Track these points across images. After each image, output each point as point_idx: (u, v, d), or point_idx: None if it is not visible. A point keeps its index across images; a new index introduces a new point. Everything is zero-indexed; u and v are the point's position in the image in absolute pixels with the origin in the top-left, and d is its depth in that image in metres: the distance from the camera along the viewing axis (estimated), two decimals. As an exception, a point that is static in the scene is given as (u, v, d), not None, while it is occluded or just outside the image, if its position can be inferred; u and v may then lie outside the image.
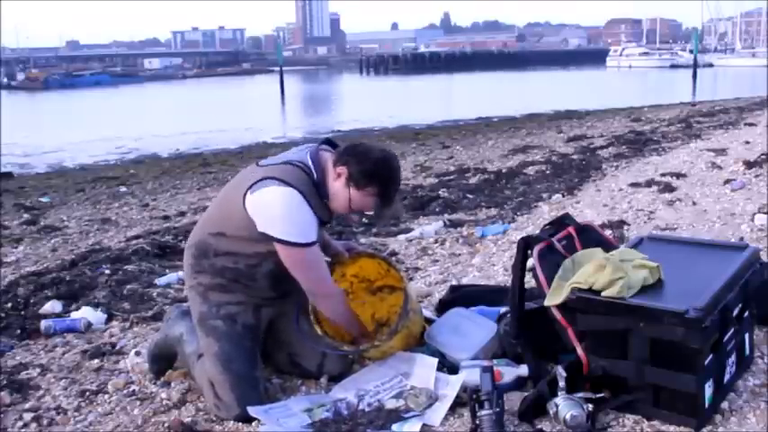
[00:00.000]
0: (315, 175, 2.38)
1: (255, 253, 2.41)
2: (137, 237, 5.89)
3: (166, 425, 2.38)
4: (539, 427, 2.20)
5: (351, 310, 2.61)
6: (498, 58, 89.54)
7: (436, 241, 4.80)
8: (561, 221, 2.70)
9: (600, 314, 2.22)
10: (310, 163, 2.39)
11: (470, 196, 6.63)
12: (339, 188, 2.37)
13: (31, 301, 3.99)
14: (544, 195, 6.35)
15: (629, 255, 2.41)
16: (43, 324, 3.46)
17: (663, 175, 6.56)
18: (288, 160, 2.41)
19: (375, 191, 2.36)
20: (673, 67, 61.57)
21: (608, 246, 2.61)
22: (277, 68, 45.97)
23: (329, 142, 2.54)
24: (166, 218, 7.04)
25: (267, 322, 2.60)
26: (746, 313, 2.42)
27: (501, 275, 3.82)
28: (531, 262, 2.45)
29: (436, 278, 3.90)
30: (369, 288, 2.85)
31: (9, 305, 3.92)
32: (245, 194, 2.33)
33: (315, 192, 2.37)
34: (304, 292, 2.70)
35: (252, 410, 2.33)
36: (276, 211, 2.31)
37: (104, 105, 35.63)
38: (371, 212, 2.48)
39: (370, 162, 2.35)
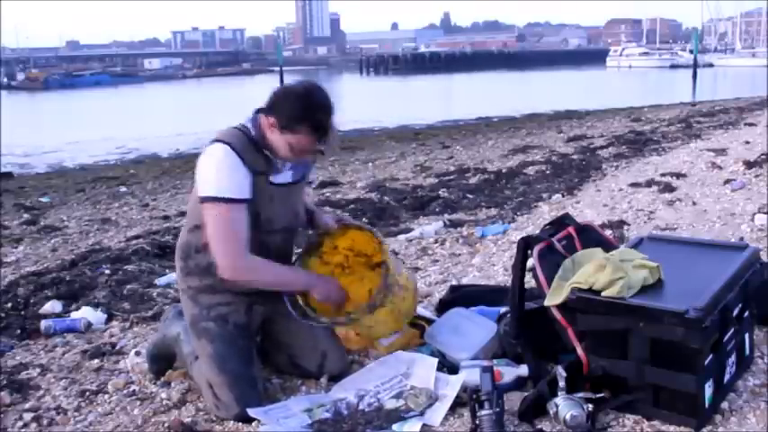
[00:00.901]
0: (252, 132, 2.39)
1: None
2: (137, 237, 5.89)
3: (166, 425, 2.38)
4: (539, 427, 2.20)
5: (276, 274, 2.47)
6: (498, 58, 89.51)
7: (436, 241, 4.80)
8: (561, 221, 2.70)
9: (600, 314, 2.22)
10: (249, 123, 2.42)
11: (470, 196, 6.63)
12: (277, 138, 2.37)
13: (31, 301, 3.99)
14: (544, 195, 6.35)
15: (629, 255, 2.41)
16: (43, 324, 3.47)
17: (663, 175, 6.57)
18: (236, 125, 2.46)
19: (307, 128, 2.34)
20: (673, 67, 61.54)
21: (608, 246, 2.61)
22: (277, 68, 46.02)
23: None
24: (166, 218, 7.03)
25: (261, 321, 2.60)
26: (746, 313, 2.42)
27: (501, 275, 3.82)
28: (531, 262, 2.46)
29: (436, 278, 3.90)
30: (368, 263, 2.76)
31: (9, 305, 3.92)
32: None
33: (251, 146, 2.38)
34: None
35: (252, 412, 2.34)
36: (205, 169, 2.36)
37: (104, 105, 35.62)
38: (318, 150, 2.43)
39: (292, 102, 2.34)
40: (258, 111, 2.46)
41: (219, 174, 2.32)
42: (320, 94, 2.39)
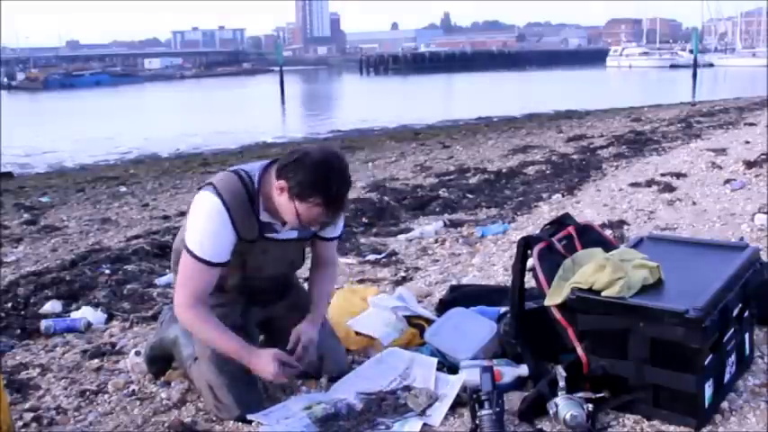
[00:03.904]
0: (255, 187, 2.28)
1: None
2: (137, 237, 5.90)
3: (166, 425, 2.38)
4: (539, 427, 2.20)
5: (211, 334, 2.34)
6: (498, 57, 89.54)
7: (436, 241, 4.80)
8: (561, 221, 2.70)
9: (600, 314, 2.22)
10: (256, 175, 2.30)
11: (470, 196, 6.64)
12: (284, 202, 2.22)
13: (31, 300, 3.99)
14: (544, 195, 6.35)
15: (629, 255, 2.41)
16: (43, 324, 3.46)
17: (663, 174, 6.57)
18: (238, 168, 2.36)
19: (319, 200, 2.17)
20: (673, 66, 61.53)
21: (608, 246, 2.61)
22: (277, 68, 45.96)
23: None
24: (166, 218, 7.04)
25: (259, 321, 2.60)
26: (746, 313, 2.42)
27: (501, 275, 3.82)
28: (531, 262, 2.45)
29: (436, 278, 3.90)
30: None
31: (9, 305, 3.92)
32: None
33: (248, 206, 2.28)
34: (301, 294, 2.71)
35: (252, 416, 2.34)
36: (194, 217, 2.30)
37: (104, 105, 35.62)
38: (326, 222, 2.31)
39: (308, 171, 2.15)
40: (271, 163, 2.33)
41: (204, 232, 2.27)
42: (338, 165, 2.21)
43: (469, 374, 2.40)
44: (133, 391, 2.68)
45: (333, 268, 2.68)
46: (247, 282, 2.44)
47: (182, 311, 2.34)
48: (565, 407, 2.14)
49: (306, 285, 2.72)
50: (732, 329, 2.29)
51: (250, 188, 2.29)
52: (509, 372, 2.44)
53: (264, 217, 2.33)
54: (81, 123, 24.97)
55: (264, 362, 2.30)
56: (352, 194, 7.18)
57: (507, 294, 2.62)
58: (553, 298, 2.32)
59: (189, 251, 2.29)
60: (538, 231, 2.79)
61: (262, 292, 2.53)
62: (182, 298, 2.33)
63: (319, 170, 2.16)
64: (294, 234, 2.42)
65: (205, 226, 2.27)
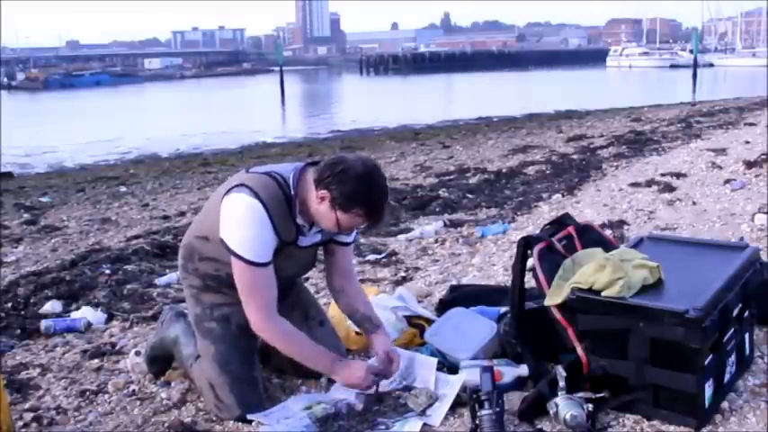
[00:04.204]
0: (291, 191, 2.29)
1: None
2: (137, 237, 5.90)
3: (166, 425, 2.38)
4: (539, 427, 2.20)
5: (298, 347, 2.37)
6: (498, 57, 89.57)
7: (436, 241, 4.80)
8: (561, 221, 2.70)
9: (600, 314, 2.22)
10: (291, 178, 2.30)
11: (470, 196, 6.64)
12: (325, 211, 2.25)
13: (31, 300, 3.99)
14: (544, 195, 6.35)
15: (629, 255, 2.41)
16: (43, 324, 3.46)
17: (663, 174, 6.57)
18: (270, 171, 2.34)
19: (362, 211, 2.22)
20: (673, 66, 61.52)
21: (608, 246, 2.61)
22: (277, 68, 45.98)
23: (315, 163, 2.37)
24: (166, 218, 7.04)
25: None
26: (746, 313, 2.42)
27: (501, 275, 3.82)
28: (531, 262, 2.46)
29: (436, 278, 3.90)
30: None
31: (9, 305, 3.92)
32: (222, 198, 2.32)
33: (286, 209, 2.28)
34: (302, 295, 2.71)
35: (252, 416, 2.35)
36: (235, 220, 2.26)
37: (104, 105, 35.63)
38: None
39: (352, 183, 2.19)
40: (307, 165, 2.33)
41: (249, 235, 2.24)
42: (380, 177, 2.26)
43: (469, 374, 2.40)
44: (133, 391, 2.68)
45: (356, 280, 2.66)
46: None
47: (262, 329, 2.32)
48: (565, 407, 2.14)
49: (307, 286, 2.72)
50: (732, 329, 2.29)
51: (287, 191, 2.29)
52: (509, 372, 2.44)
53: (299, 220, 2.34)
54: (81, 123, 24.97)
55: (357, 371, 2.35)
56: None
57: (507, 294, 2.62)
58: (553, 298, 2.32)
59: (241, 258, 2.25)
60: (538, 231, 2.79)
61: None
62: (256, 315, 2.31)
63: (363, 182, 2.21)
64: (318, 238, 2.43)
65: (249, 228, 2.25)
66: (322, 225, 2.32)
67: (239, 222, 2.26)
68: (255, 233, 2.25)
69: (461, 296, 3.24)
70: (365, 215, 2.23)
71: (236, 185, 2.29)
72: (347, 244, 2.56)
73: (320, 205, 2.25)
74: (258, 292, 2.29)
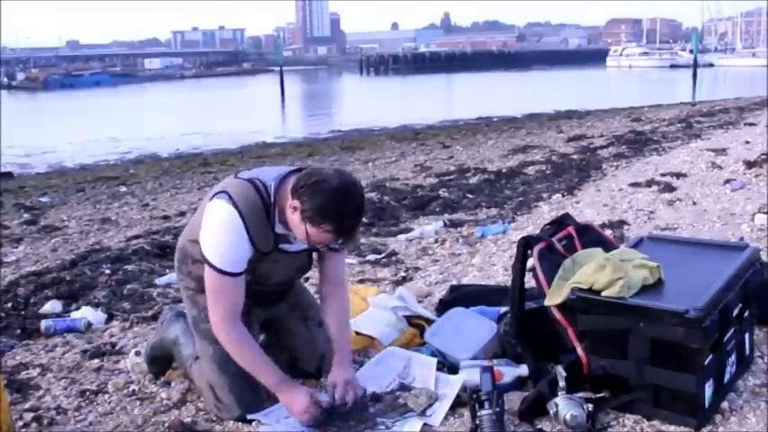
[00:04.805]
0: (270, 200, 2.25)
1: None
2: (137, 237, 5.89)
3: (166, 425, 2.38)
4: (539, 427, 2.20)
5: (249, 358, 2.34)
6: (498, 57, 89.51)
7: (436, 241, 4.80)
8: (561, 221, 2.70)
9: (600, 314, 2.22)
10: (272, 186, 2.26)
11: (470, 196, 6.64)
12: (296, 222, 2.20)
13: (31, 300, 3.99)
14: (544, 195, 6.36)
15: (629, 255, 2.41)
16: (43, 324, 3.46)
17: (663, 174, 6.57)
18: (253, 177, 2.31)
19: (331, 227, 2.15)
20: (673, 66, 61.51)
21: (608, 246, 2.61)
22: (277, 68, 45.99)
23: (299, 170, 2.32)
24: (166, 218, 7.04)
25: (261, 322, 2.60)
26: (746, 313, 2.42)
27: (501, 275, 3.82)
28: (531, 262, 2.45)
29: (436, 278, 3.90)
30: None
31: (9, 305, 3.92)
32: (207, 203, 2.32)
33: (264, 218, 2.25)
34: (301, 296, 2.71)
35: (252, 416, 2.35)
36: (211, 227, 2.26)
37: (104, 105, 35.63)
38: (335, 247, 2.27)
39: (323, 198, 2.12)
40: (290, 173, 2.29)
41: (221, 243, 2.24)
42: (354, 196, 2.17)
43: (469, 374, 2.40)
44: (133, 391, 2.68)
45: (344, 290, 2.60)
46: (254, 287, 2.43)
47: (219, 332, 2.32)
48: (565, 407, 2.14)
49: (306, 285, 2.72)
50: (732, 329, 2.29)
51: (266, 200, 2.27)
52: (509, 372, 2.44)
53: (279, 229, 2.31)
54: (81, 123, 24.95)
55: (299, 401, 2.28)
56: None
57: (507, 294, 2.62)
58: (553, 298, 2.32)
59: (211, 265, 2.26)
60: (538, 231, 2.79)
61: (266, 294, 2.53)
62: (217, 318, 2.30)
63: (335, 198, 2.13)
64: (306, 245, 2.36)
65: (223, 237, 2.25)
66: (296, 235, 2.26)
67: (214, 230, 2.26)
68: (228, 243, 2.24)
69: (461, 296, 3.24)
70: (333, 232, 2.16)
71: (220, 191, 2.29)
72: (338, 250, 2.47)
73: (293, 215, 2.20)
74: (222, 298, 2.28)
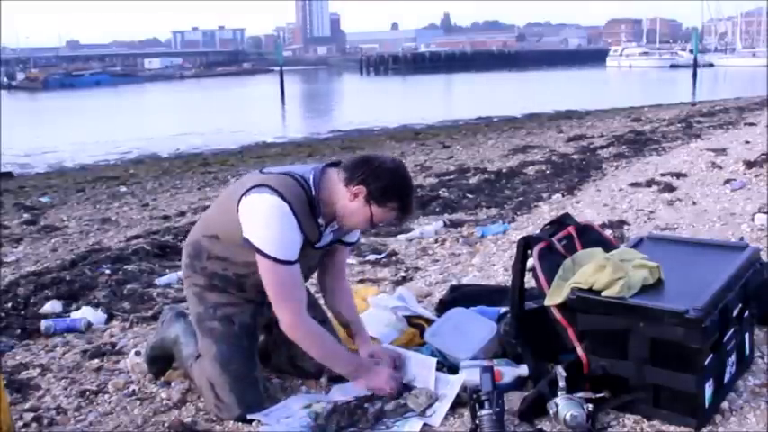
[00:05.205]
0: (312, 192, 2.32)
1: (245, 262, 2.35)
2: (137, 237, 5.89)
3: (166, 425, 2.38)
4: (539, 426, 2.20)
5: (326, 348, 2.42)
6: (498, 58, 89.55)
7: (436, 241, 4.80)
8: (561, 221, 2.70)
9: (600, 314, 2.22)
10: (311, 179, 2.33)
11: (470, 196, 6.64)
12: (358, 207, 2.31)
13: (31, 300, 3.99)
14: (544, 195, 6.36)
15: (629, 255, 2.41)
16: (43, 324, 3.46)
17: (663, 174, 6.57)
18: (289, 171, 2.36)
19: (396, 205, 2.33)
20: (673, 66, 61.53)
21: (608, 246, 2.61)
22: (277, 68, 46.00)
23: (334, 165, 2.43)
24: (166, 218, 7.04)
25: (265, 322, 2.60)
26: (746, 313, 2.42)
27: (501, 275, 3.82)
28: (531, 262, 2.45)
29: (436, 278, 3.90)
30: None
31: (9, 305, 3.92)
32: (240, 199, 2.30)
33: (308, 209, 2.31)
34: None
35: (252, 415, 2.35)
36: (261, 219, 2.26)
37: (104, 105, 35.63)
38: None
39: (387, 178, 2.31)
40: (326, 166, 2.39)
41: (276, 232, 2.25)
42: (408, 174, 2.41)
43: (469, 374, 2.40)
44: (133, 391, 2.68)
45: (346, 282, 2.72)
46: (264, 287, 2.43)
47: (292, 328, 2.34)
48: (565, 407, 2.14)
49: (307, 285, 2.71)
50: (732, 329, 2.29)
51: (308, 191, 2.32)
52: (509, 372, 2.44)
53: (320, 220, 2.37)
54: (81, 123, 24.97)
55: (384, 379, 2.40)
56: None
57: (507, 294, 2.62)
58: (553, 298, 2.32)
59: (269, 257, 2.25)
60: (538, 231, 2.79)
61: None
62: (286, 314, 2.33)
63: (396, 177, 2.33)
64: (330, 238, 2.46)
65: (276, 226, 2.25)
66: (350, 222, 2.38)
67: (265, 222, 2.26)
68: (283, 232, 2.26)
69: (461, 296, 3.24)
70: (399, 208, 2.33)
71: (256, 186, 2.29)
72: (351, 244, 2.64)
73: (353, 202, 2.31)
74: (289, 290, 2.32)
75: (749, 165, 6.50)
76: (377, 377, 2.41)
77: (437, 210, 6.06)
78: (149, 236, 5.81)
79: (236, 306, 2.47)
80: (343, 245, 2.59)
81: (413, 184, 2.43)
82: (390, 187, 2.31)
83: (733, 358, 2.32)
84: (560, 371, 2.22)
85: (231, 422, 2.37)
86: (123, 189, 9.69)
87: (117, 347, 3.18)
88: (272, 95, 37.03)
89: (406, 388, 2.43)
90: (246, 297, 2.48)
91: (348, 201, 2.32)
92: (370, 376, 2.41)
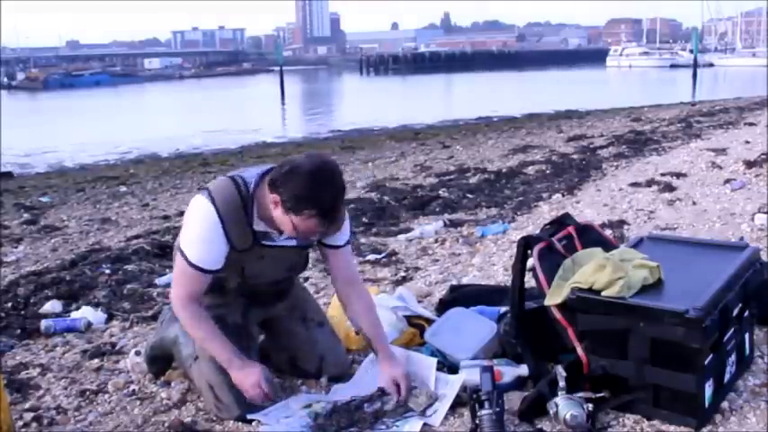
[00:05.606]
0: (250, 195, 2.25)
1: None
2: (137, 236, 5.89)
3: (166, 425, 2.38)
4: (539, 426, 2.20)
5: (202, 333, 2.35)
6: (498, 57, 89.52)
7: (436, 241, 4.80)
8: (561, 221, 2.70)
9: (600, 314, 2.23)
10: (252, 183, 2.26)
11: (470, 196, 6.63)
12: (281, 216, 2.18)
13: (31, 300, 3.99)
14: (544, 195, 6.35)
15: (629, 254, 2.41)
16: (43, 324, 3.47)
17: (663, 174, 6.57)
18: (236, 174, 2.32)
19: (313, 212, 2.12)
20: (673, 66, 61.50)
21: (608, 246, 2.61)
22: (277, 68, 45.99)
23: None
24: (166, 218, 7.03)
25: (260, 321, 2.60)
26: (746, 313, 2.42)
27: (501, 275, 3.82)
28: (531, 262, 2.45)
29: (436, 278, 3.90)
30: None
31: (9, 305, 3.92)
32: None
33: (242, 215, 2.26)
34: (300, 296, 2.71)
35: (252, 415, 2.35)
36: (190, 222, 2.30)
37: (104, 105, 35.63)
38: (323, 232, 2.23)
39: (298, 184, 2.11)
40: (269, 170, 2.26)
41: (197, 240, 2.27)
42: (330, 174, 2.16)
43: (469, 374, 2.40)
44: (133, 391, 2.68)
45: (361, 287, 2.60)
46: (247, 285, 2.44)
47: (176, 307, 2.37)
48: (565, 407, 2.14)
49: (307, 286, 2.72)
50: (732, 329, 2.29)
51: (245, 196, 2.27)
52: (509, 372, 2.44)
53: (259, 226, 2.31)
54: (81, 123, 24.97)
55: (250, 376, 2.32)
56: (351, 194, 7.26)
57: (507, 294, 2.62)
58: (553, 298, 2.32)
59: (182, 253, 2.30)
60: (538, 231, 2.79)
61: (262, 294, 2.53)
62: (175, 295, 2.36)
63: (310, 181, 2.11)
64: (293, 242, 2.37)
65: (198, 233, 2.28)
66: (284, 230, 2.25)
67: (192, 226, 2.30)
68: (203, 239, 2.27)
69: (461, 296, 3.24)
70: (318, 216, 2.12)
71: (203, 188, 2.33)
72: (337, 247, 2.47)
73: (275, 210, 2.19)
74: (185, 283, 2.32)
75: (749, 165, 6.50)
76: (245, 379, 2.32)
77: (437, 210, 6.06)
78: (149, 236, 5.81)
79: (226, 307, 2.48)
80: (328, 248, 2.46)
81: (337, 185, 2.17)
82: (302, 193, 2.10)
83: (733, 358, 2.32)
84: (560, 371, 2.22)
85: (231, 422, 2.37)
86: (123, 189, 9.68)
87: (117, 347, 3.18)
88: (272, 95, 37.01)
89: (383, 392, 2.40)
90: (232, 299, 2.49)
91: (273, 209, 2.20)
92: (240, 374, 2.33)
